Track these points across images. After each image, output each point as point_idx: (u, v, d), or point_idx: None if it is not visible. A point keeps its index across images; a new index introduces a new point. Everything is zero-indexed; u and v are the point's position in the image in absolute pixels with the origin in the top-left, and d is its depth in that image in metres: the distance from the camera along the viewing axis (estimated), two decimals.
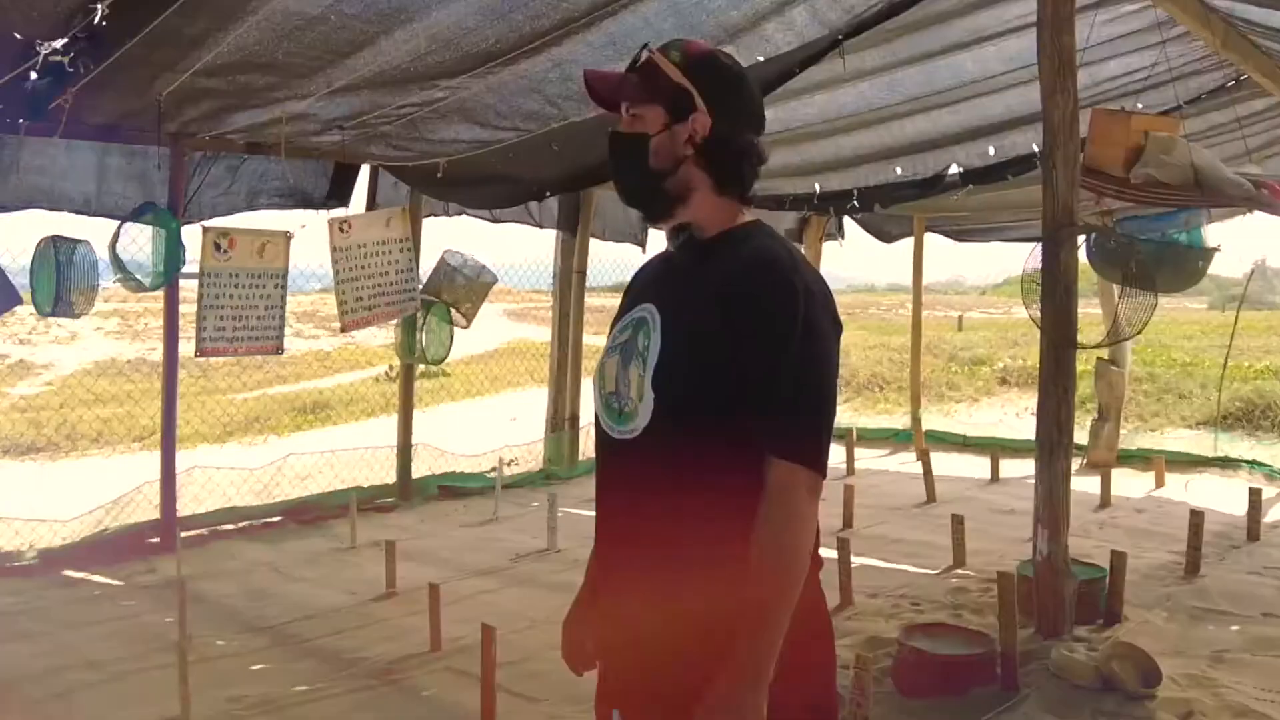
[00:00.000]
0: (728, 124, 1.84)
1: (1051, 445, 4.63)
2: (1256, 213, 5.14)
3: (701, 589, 1.71)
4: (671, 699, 1.72)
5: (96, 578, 5.93)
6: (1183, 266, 5.27)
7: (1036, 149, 7.20)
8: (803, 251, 9.48)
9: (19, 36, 4.10)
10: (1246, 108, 7.08)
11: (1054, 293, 4.60)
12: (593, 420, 1.93)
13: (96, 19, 4.01)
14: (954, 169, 7.92)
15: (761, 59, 5.12)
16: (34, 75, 4.45)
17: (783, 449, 1.70)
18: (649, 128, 1.85)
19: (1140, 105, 6.29)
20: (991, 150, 7.65)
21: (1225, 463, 9.06)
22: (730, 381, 1.70)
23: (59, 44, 4.16)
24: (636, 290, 1.95)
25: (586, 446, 9.27)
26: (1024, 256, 5.01)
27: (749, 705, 1.64)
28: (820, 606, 1.86)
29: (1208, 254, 5.29)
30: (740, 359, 1.70)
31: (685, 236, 1.86)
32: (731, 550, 1.70)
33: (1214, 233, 5.51)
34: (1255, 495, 6.61)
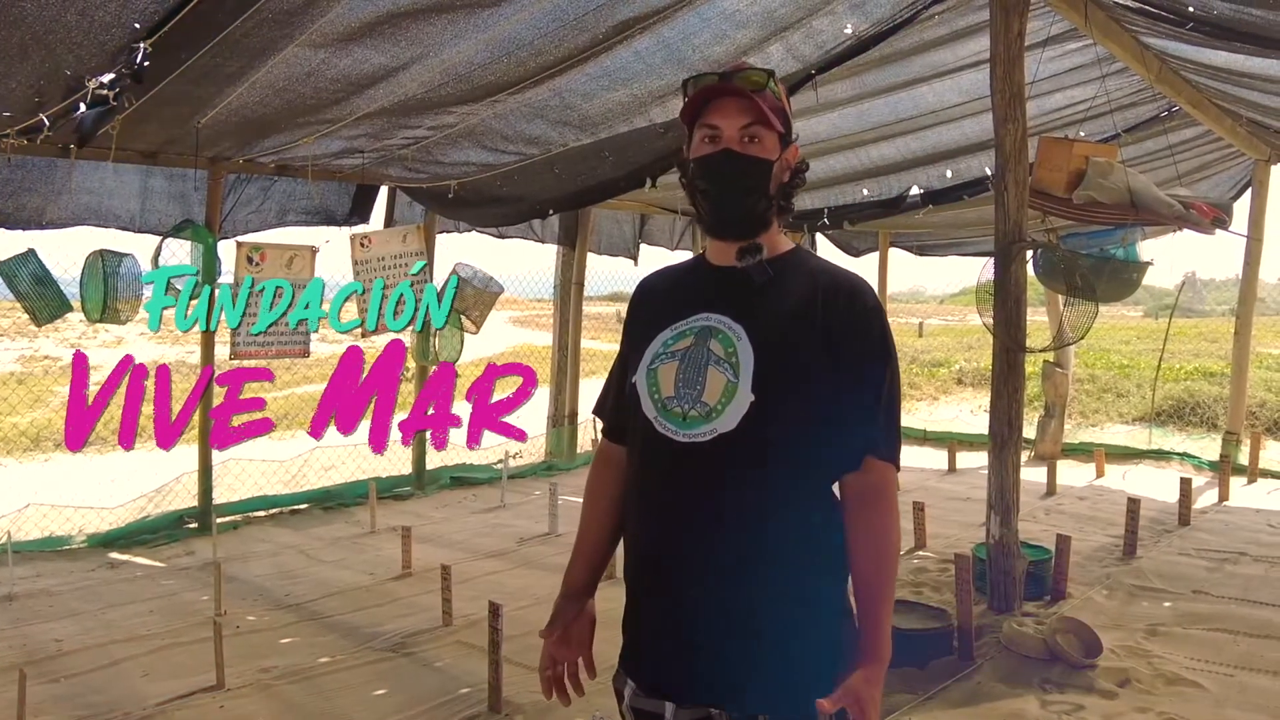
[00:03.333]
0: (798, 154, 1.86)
1: (1003, 439, 4.64)
2: (1186, 230, 5.16)
3: (793, 575, 1.68)
4: (771, 680, 1.67)
5: (139, 560, 5.90)
6: (1120, 278, 5.28)
7: (989, 172, 7.24)
8: None
9: (69, 73, 4.08)
10: (1178, 135, 7.13)
11: (1005, 302, 4.61)
12: (638, 425, 1.78)
13: (139, 58, 4.01)
14: (915, 190, 7.96)
15: None
16: (83, 107, 4.44)
17: (885, 452, 1.71)
18: (769, 153, 1.76)
19: (1082, 133, 6.31)
20: (949, 173, 7.68)
21: (1159, 455, 9.08)
22: (829, 391, 1.69)
23: (106, 79, 4.15)
24: (678, 301, 1.82)
25: (584, 440, 9.27)
26: (979, 269, 5.01)
27: (881, 686, 1.68)
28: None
29: (1142, 267, 5.30)
30: (844, 372, 1.70)
31: (760, 255, 1.76)
32: (820, 538, 1.71)
33: (1148, 248, 5.52)
34: (1186, 484, 6.63)
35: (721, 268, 1.81)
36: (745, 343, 1.70)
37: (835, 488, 1.77)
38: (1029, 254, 4.80)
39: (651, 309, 1.87)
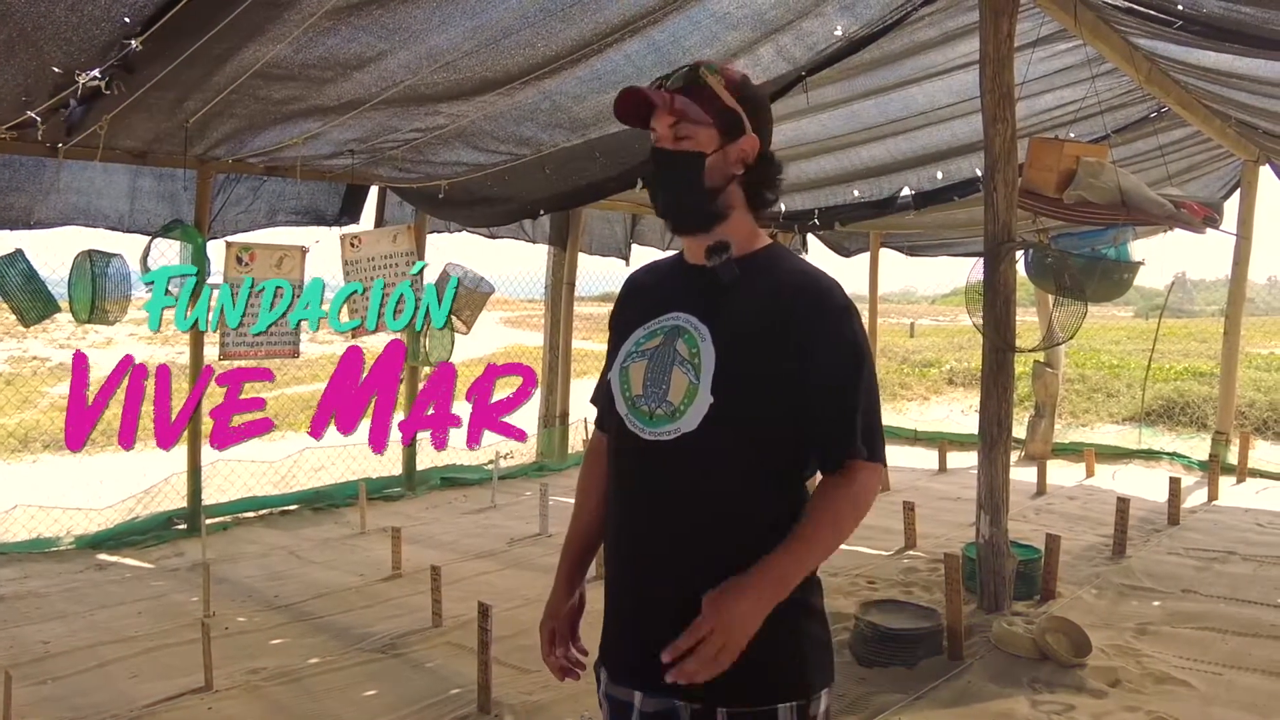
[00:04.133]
0: (766, 146, 1.82)
1: (992, 439, 4.65)
2: (1177, 230, 5.17)
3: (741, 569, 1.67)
4: (726, 674, 1.63)
5: (128, 561, 5.88)
6: (1111, 278, 5.31)
7: (979, 173, 7.26)
8: None
9: (58, 70, 4.06)
10: (1167, 136, 7.15)
11: (994, 302, 4.62)
12: (613, 424, 1.82)
13: (129, 53, 3.99)
14: (906, 191, 7.98)
15: None
16: (72, 103, 4.42)
17: (866, 451, 1.70)
18: (703, 147, 1.76)
19: (1073, 134, 6.33)
20: (939, 174, 7.70)
21: (1149, 455, 9.11)
22: (793, 392, 1.68)
23: (96, 73, 4.13)
24: (653, 301, 1.84)
25: (575, 441, 9.27)
26: (969, 270, 5.03)
27: (753, 611, 1.60)
28: (819, 592, 1.85)
29: (1133, 267, 5.32)
30: (812, 372, 1.68)
31: (727, 254, 1.76)
32: (763, 535, 1.68)
33: (1139, 248, 5.54)
34: (1175, 484, 6.65)
35: (694, 266, 1.83)
36: (708, 344, 1.71)
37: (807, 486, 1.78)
38: (1019, 254, 4.81)
39: (634, 305, 1.89)
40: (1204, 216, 5.03)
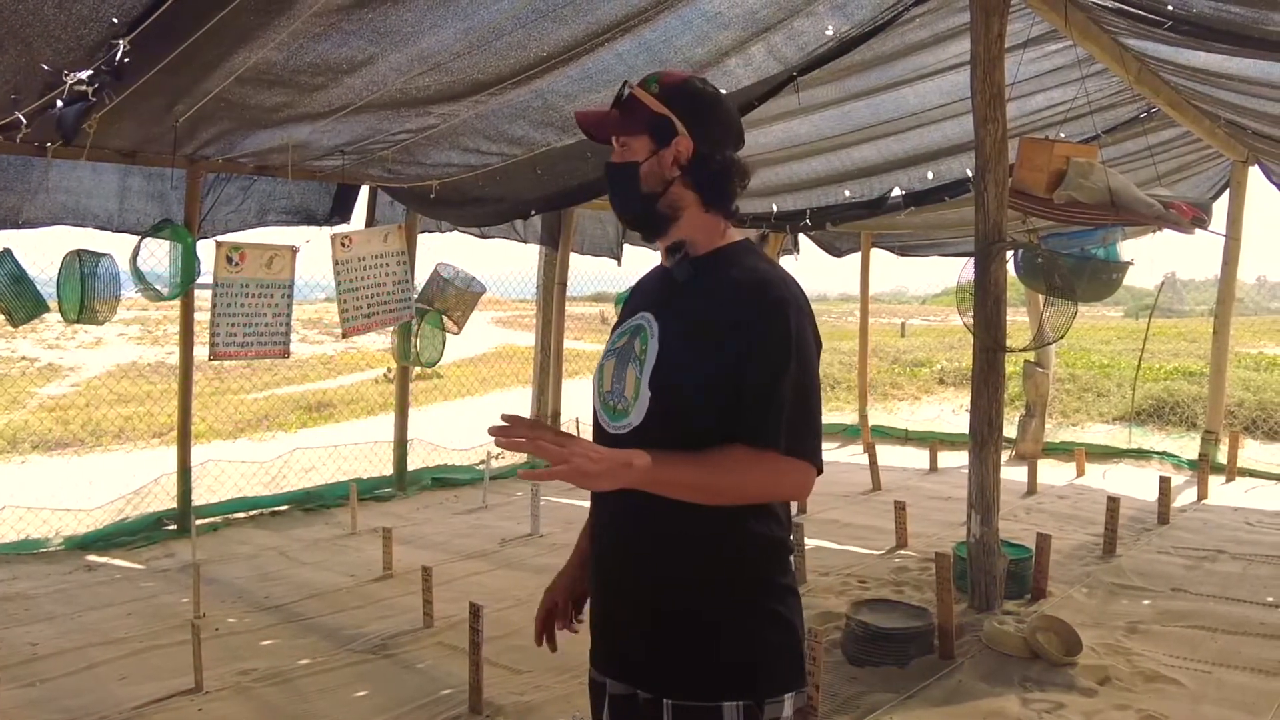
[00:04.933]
0: (707, 143, 1.84)
1: (983, 438, 4.67)
2: (1166, 230, 5.20)
3: (693, 568, 1.75)
4: (669, 666, 1.74)
5: (117, 562, 5.86)
6: (1100, 278, 5.33)
7: (970, 173, 7.28)
8: None
9: (46, 68, 4.04)
10: (1157, 137, 7.18)
11: (985, 302, 4.63)
12: (592, 417, 1.93)
13: (118, 55, 3.98)
14: (897, 191, 7.99)
15: (724, 92, 5.12)
16: (60, 104, 4.39)
17: (789, 448, 1.69)
18: (637, 156, 1.84)
19: (1063, 134, 6.34)
20: (930, 175, 7.71)
21: (1139, 454, 9.14)
22: (723, 389, 1.70)
23: (84, 74, 4.11)
24: (635, 301, 1.95)
25: None
26: (960, 270, 5.04)
27: (613, 467, 1.60)
28: (790, 594, 1.84)
29: (1122, 267, 5.35)
30: (741, 370, 1.70)
31: (681, 254, 1.85)
32: (715, 532, 1.73)
33: (1128, 248, 5.57)
34: (1165, 483, 6.68)
35: (663, 268, 1.92)
36: (654, 340, 1.79)
37: None
38: (1009, 254, 4.83)
39: (626, 308, 1.98)
40: (1192, 217, 5.06)
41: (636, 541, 1.79)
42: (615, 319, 2.06)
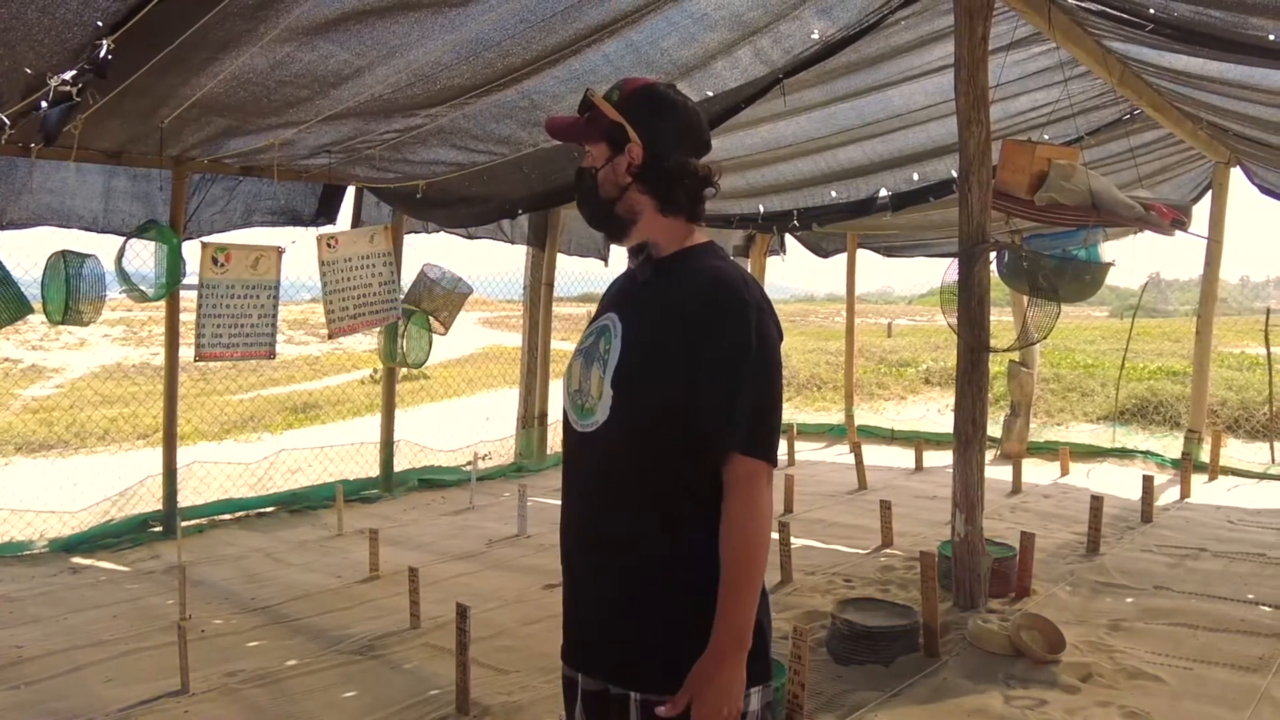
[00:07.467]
0: (659, 149, 1.87)
1: (967, 438, 4.70)
2: (1147, 231, 5.24)
3: (657, 561, 1.78)
4: (633, 659, 1.79)
5: (103, 564, 5.84)
6: (1082, 279, 5.35)
7: (955, 174, 7.32)
8: (748, 266, 9.55)
9: (29, 71, 4.03)
10: (1139, 139, 7.23)
11: (969, 302, 4.66)
12: (562, 415, 1.96)
13: (102, 53, 3.96)
14: (883, 192, 8.02)
15: (711, 94, 5.15)
16: (44, 105, 4.38)
17: (747, 447, 1.73)
18: (596, 162, 1.92)
19: (1046, 136, 6.40)
20: (916, 176, 7.74)
21: (1123, 453, 9.21)
22: (684, 387, 1.75)
23: (68, 75, 4.10)
24: (604, 302, 2.00)
25: (554, 441, 9.27)
26: (944, 270, 5.07)
27: (733, 675, 1.70)
28: None
29: (1104, 268, 5.37)
30: (700, 368, 1.74)
31: (644, 255, 1.90)
32: (689, 528, 1.76)
33: (1111, 249, 5.60)
34: (1148, 482, 6.73)
35: (630, 270, 1.98)
36: (618, 340, 1.83)
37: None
38: (993, 254, 4.85)
39: (598, 309, 2.03)
40: (1172, 219, 5.09)
41: (601, 539, 1.84)
42: None
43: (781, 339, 1.86)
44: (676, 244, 1.90)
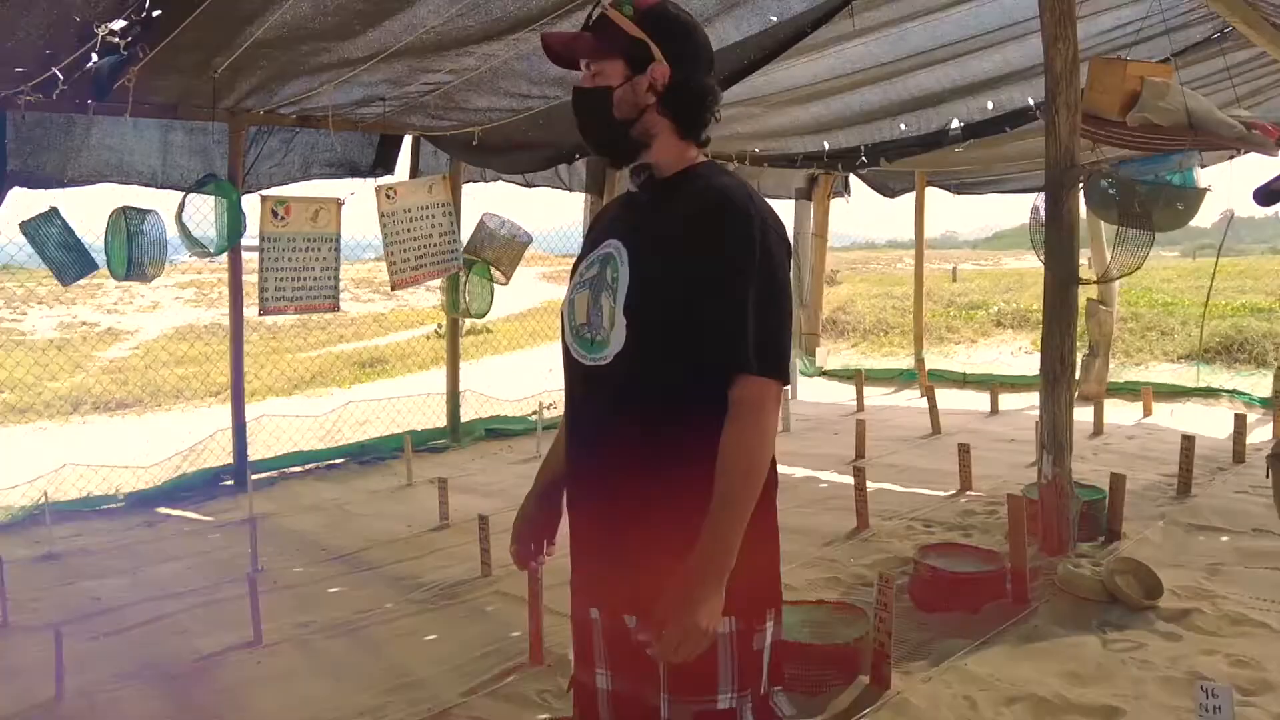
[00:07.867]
0: (684, 71, 1.80)
1: (1055, 375, 4.47)
2: (1247, 153, 4.90)
3: (672, 494, 1.72)
4: (645, 595, 1.70)
5: (181, 514, 5.89)
6: (1175, 206, 5.03)
7: (1032, 101, 6.95)
8: (810, 210, 9.26)
9: (78, 19, 3.95)
10: (1233, 58, 6.77)
11: (1059, 233, 4.41)
12: (562, 353, 1.88)
13: (147, 4, 3.88)
14: (955, 123, 7.67)
15: (775, 19, 4.90)
16: (95, 57, 4.31)
17: (757, 365, 1.68)
18: (611, 81, 1.80)
19: (1132, 57, 6.01)
20: (990, 105, 7.38)
21: (1207, 392, 8.84)
22: (695, 307, 1.69)
23: (116, 25, 4.02)
24: (600, 229, 1.92)
25: None
26: (1011, 213, 4.82)
27: (707, 597, 1.63)
28: (770, 514, 1.81)
29: (1199, 194, 5.03)
30: (708, 287, 1.68)
31: (646, 176, 1.83)
32: (697, 459, 1.69)
33: (1204, 176, 5.26)
34: (1240, 421, 6.42)
35: (628, 193, 1.89)
36: (625, 267, 1.76)
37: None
38: (1080, 183, 4.57)
39: (589, 238, 1.95)
40: (1278, 137, 4.74)
41: (612, 465, 1.78)
42: None
43: (790, 256, 1.80)
44: (679, 165, 1.83)
